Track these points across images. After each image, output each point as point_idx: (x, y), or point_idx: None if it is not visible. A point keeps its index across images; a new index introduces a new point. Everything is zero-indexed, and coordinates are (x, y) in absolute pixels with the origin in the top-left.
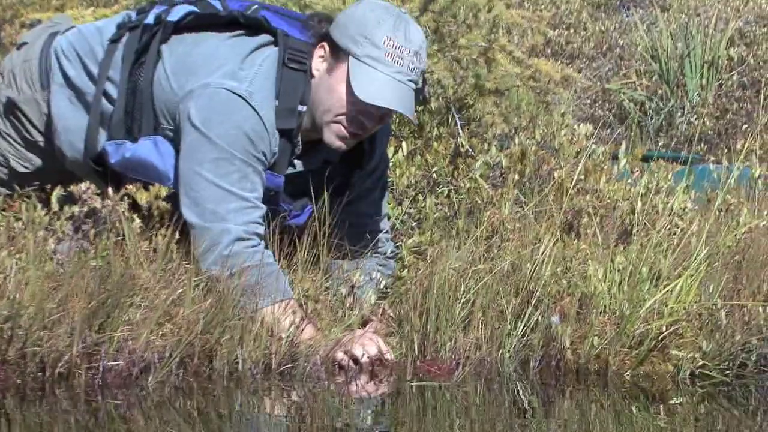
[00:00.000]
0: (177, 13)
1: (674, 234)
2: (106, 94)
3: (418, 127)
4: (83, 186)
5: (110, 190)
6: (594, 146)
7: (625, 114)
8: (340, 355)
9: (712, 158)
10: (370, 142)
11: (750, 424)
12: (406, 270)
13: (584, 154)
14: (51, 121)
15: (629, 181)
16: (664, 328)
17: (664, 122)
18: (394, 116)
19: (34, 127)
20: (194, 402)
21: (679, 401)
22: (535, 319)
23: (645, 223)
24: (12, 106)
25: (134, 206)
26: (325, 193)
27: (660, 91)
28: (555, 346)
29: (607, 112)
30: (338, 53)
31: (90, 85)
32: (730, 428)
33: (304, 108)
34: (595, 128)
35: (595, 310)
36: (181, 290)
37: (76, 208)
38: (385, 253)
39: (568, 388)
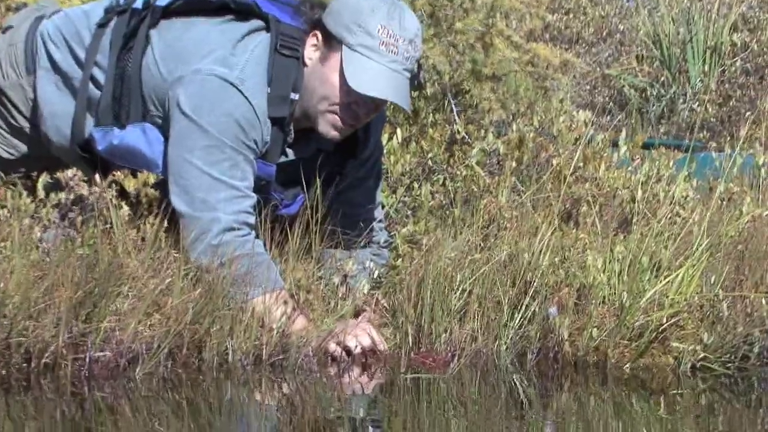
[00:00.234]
0: None
1: (675, 223)
2: (93, 80)
3: (414, 113)
4: (70, 173)
5: (97, 176)
6: (593, 133)
7: (625, 100)
8: (332, 346)
9: (715, 146)
10: (364, 130)
11: (752, 417)
12: (400, 259)
13: (583, 141)
14: (37, 107)
15: (629, 168)
16: (664, 320)
17: (665, 109)
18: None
19: (20, 112)
20: (183, 394)
21: (679, 394)
22: (533, 310)
23: (645, 212)
24: None
25: (122, 193)
26: (318, 181)
27: (661, 77)
28: (553, 338)
29: (607, 98)
30: (331, 42)
31: (77, 70)
32: (732, 422)
33: (297, 96)
34: (595, 115)
35: (594, 301)
36: (169, 279)
37: (62, 196)
38: (378, 243)
39: (566, 381)
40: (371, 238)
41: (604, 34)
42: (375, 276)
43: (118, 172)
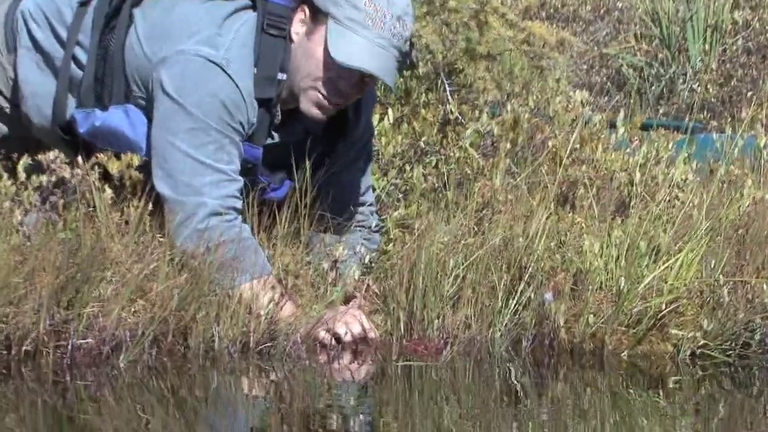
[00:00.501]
0: None
1: (674, 206)
2: (75, 59)
3: (406, 93)
4: (52, 155)
5: (80, 158)
6: (590, 114)
7: (623, 80)
8: (321, 333)
9: (715, 127)
10: (354, 110)
11: (753, 406)
12: (391, 244)
13: (580, 122)
14: (18, 87)
15: (627, 150)
16: (663, 306)
17: (664, 89)
18: (378, 83)
19: (0, 93)
20: (168, 382)
21: (678, 383)
22: (528, 296)
23: (644, 195)
24: None
25: (105, 176)
26: (307, 163)
27: (660, 57)
28: (548, 325)
29: (604, 78)
30: (318, 16)
31: (58, 49)
32: (732, 411)
33: (284, 76)
34: (592, 95)
35: (590, 287)
36: (154, 264)
37: (44, 178)
38: (369, 227)
39: (561, 368)
40: (362, 221)
41: (602, 11)
42: (366, 261)
43: (102, 154)
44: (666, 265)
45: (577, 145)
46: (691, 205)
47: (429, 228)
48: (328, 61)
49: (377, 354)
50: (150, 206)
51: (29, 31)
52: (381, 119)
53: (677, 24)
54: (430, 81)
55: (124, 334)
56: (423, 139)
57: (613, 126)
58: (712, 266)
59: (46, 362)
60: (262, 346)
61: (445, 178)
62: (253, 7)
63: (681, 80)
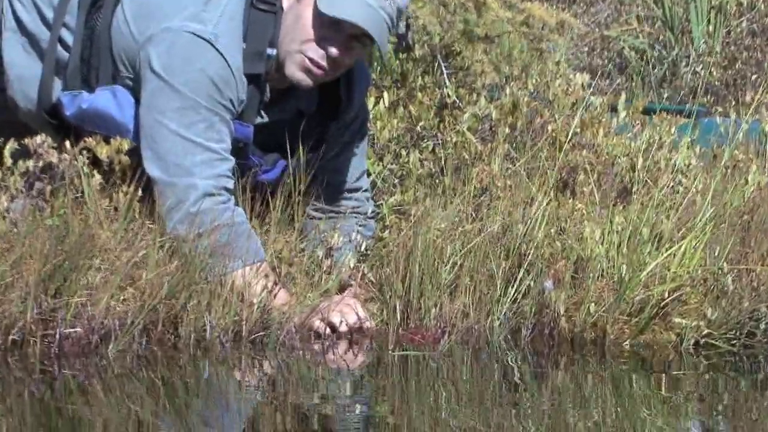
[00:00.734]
0: None
1: (677, 192)
2: (61, 41)
3: (402, 76)
4: (39, 139)
5: (68, 143)
6: (591, 97)
7: (625, 63)
8: (316, 322)
9: (719, 111)
10: (347, 91)
11: (758, 396)
12: (387, 231)
13: (581, 106)
14: (3, 70)
15: (629, 135)
16: (666, 294)
17: (667, 72)
18: (376, 64)
19: None
20: (158, 372)
21: (682, 373)
22: (527, 284)
23: (646, 181)
24: None
25: (94, 161)
26: (301, 147)
27: (663, 39)
28: (548, 314)
29: (605, 60)
30: None
31: (45, 31)
32: (736, 401)
33: (273, 52)
34: (593, 78)
35: (591, 275)
36: (144, 252)
37: (30, 163)
38: (365, 213)
39: (562, 358)
40: (357, 208)
41: None
42: (361, 248)
43: (90, 139)
44: (669, 252)
45: (578, 130)
46: (694, 191)
47: (426, 214)
48: (317, 20)
49: (373, 344)
50: (139, 192)
51: (14, 13)
52: (376, 103)
53: (680, 5)
54: (427, 64)
55: (113, 323)
56: (419, 123)
57: (614, 110)
58: (716, 253)
59: (33, 352)
60: (255, 335)
61: (443, 163)
62: None
63: (684, 63)
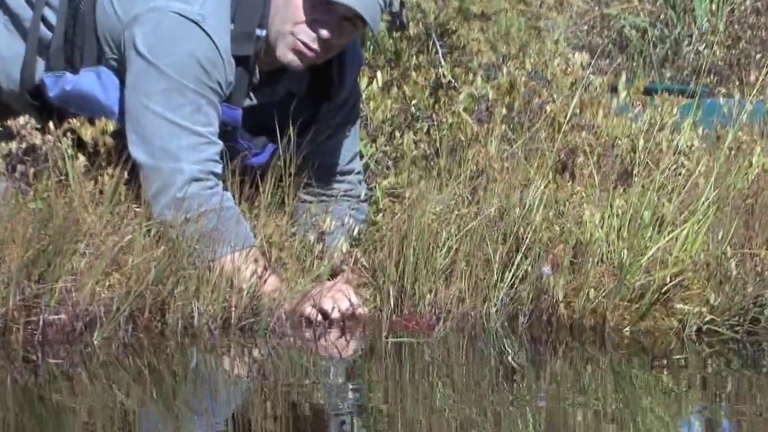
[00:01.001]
0: None
1: (680, 175)
2: (44, 20)
3: (395, 55)
4: (21, 120)
5: (51, 124)
6: (591, 77)
7: (625, 42)
8: (307, 309)
9: (723, 91)
10: (339, 72)
11: (762, 384)
12: (381, 214)
13: (580, 86)
14: None
15: (630, 116)
16: (667, 280)
17: (669, 51)
18: (369, 43)
19: None
20: (145, 360)
21: (684, 360)
22: (525, 269)
23: (647, 163)
24: None
25: (78, 143)
26: (291, 128)
27: (665, 17)
28: (546, 299)
29: (605, 39)
30: None
31: (27, 10)
32: (740, 389)
33: (263, 33)
34: (593, 57)
35: (591, 260)
36: (130, 236)
37: (13, 145)
38: (357, 196)
39: (560, 345)
40: (349, 191)
41: None
42: (354, 233)
43: (74, 120)
44: (671, 236)
45: (577, 111)
46: (697, 173)
47: (420, 197)
48: (308, 2)
49: (366, 330)
50: (125, 175)
51: None
52: (369, 83)
53: None
54: (422, 42)
55: (98, 310)
56: (414, 103)
57: (614, 90)
58: (719, 237)
59: (16, 339)
60: (245, 322)
61: (438, 144)
62: None
63: (686, 42)
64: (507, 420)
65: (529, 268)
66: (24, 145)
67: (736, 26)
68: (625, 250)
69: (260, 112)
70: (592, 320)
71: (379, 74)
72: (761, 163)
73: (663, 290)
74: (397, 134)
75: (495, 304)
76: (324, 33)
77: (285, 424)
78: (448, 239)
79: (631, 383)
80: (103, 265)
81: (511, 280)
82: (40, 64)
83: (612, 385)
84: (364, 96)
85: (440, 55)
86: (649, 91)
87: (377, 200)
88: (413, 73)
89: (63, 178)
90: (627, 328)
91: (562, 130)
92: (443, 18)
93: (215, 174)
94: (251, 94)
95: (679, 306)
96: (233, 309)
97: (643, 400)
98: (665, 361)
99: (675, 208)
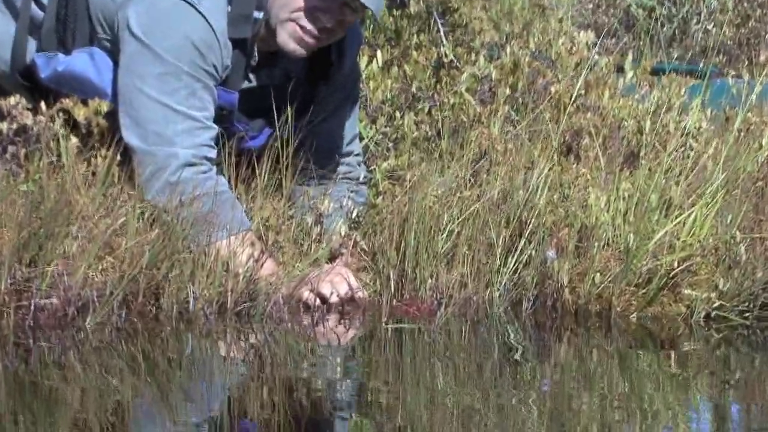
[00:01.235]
0: None
1: (688, 157)
2: (36, 0)
3: (396, 34)
4: (12, 100)
5: (43, 104)
6: (596, 57)
7: (632, 20)
8: (305, 293)
9: (732, 72)
10: (338, 52)
11: None
12: (380, 197)
13: (585, 66)
14: None
15: (636, 97)
16: (675, 264)
17: (676, 30)
18: (368, 22)
19: None
20: (138, 346)
21: (692, 347)
22: (529, 253)
23: (654, 145)
24: None
25: (71, 123)
26: (289, 110)
27: None
28: (551, 285)
29: (612, 18)
30: None
31: None
32: (749, 376)
33: (261, 14)
34: (598, 37)
35: (596, 244)
36: (123, 219)
37: (4, 126)
38: (356, 178)
39: (565, 331)
40: (348, 173)
41: None
42: (353, 215)
43: (67, 100)
44: (678, 220)
45: (582, 91)
46: (705, 155)
47: (421, 180)
48: None
49: (365, 316)
50: (119, 156)
51: None
52: (369, 62)
53: None
54: (423, 21)
55: (90, 294)
56: (415, 83)
57: (621, 70)
58: (728, 221)
59: (7, 324)
60: (241, 306)
61: (439, 125)
62: None
63: (695, 21)
64: (510, 409)
65: (533, 253)
66: (15, 126)
67: (745, 4)
68: (632, 234)
69: (258, 94)
70: (597, 306)
71: (379, 53)
72: None
73: (670, 275)
74: (398, 115)
75: (498, 289)
76: (327, 21)
77: (282, 413)
78: (449, 222)
79: (637, 370)
80: (95, 249)
81: (514, 264)
82: (32, 44)
83: (618, 372)
84: (363, 76)
85: (442, 33)
86: (656, 72)
87: (377, 183)
88: (414, 53)
89: (55, 159)
90: (633, 314)
91: (567, 111)
92: None
93: (209, 159)
94: (250, 76)
95: (687, 291)
96: (229, 293)
97: (650, 388)
98: (673, 348)
99: (683, 191)
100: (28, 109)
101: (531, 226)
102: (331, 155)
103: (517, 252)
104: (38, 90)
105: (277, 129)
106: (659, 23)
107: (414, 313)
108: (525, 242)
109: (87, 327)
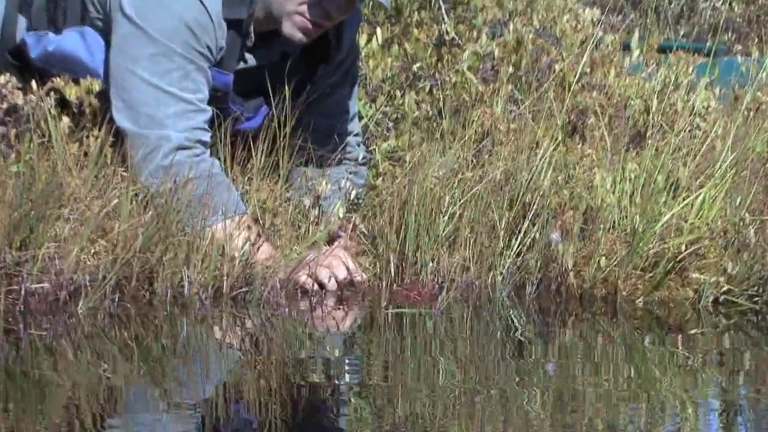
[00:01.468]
0: None
1: (695, 137)
2: None
3: (396, 11)
4: (2, 79)
5: (34, 84)
6: (602, 34)
7: None
8: (302, 277)
9: (741, 49)
10: (336, 31)
11: None
12: (380, 178)
13: (590, 43)
14: None
15: (643, 75)
16: (683, 248)
17: (684, 7)
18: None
19: None
20: (132, 331)
21: (699, 332)
22: (532, 236)
23: (661, 125)
24: None
25: (62, 103)
26: (286, 90)
27: None
28: (555, 268)
29: None
30: None
31: None
32: (758, 362)
33: None
34: (604, 13)
35: (602, 226)
36: (116, 201)
37: None
38: (355, 159)
39: (570, 316)
40: (347, 153)
41: None
42: (351, 197)
43: (58, 79)
44: (686, 202)
45: (587, 69)
46: (713, 135)
47: (422, 161)
48: None
49: (365, 300)
50: (111, 137)
51: None
52: (369, 40)
53: None
54: None
55: (83, 278)
56: (415, 62)
57: (627, 48)
58: (737, 203)
59: None
60: (237, 291)
61: (441, 105)
62: None
63: None
64: (513, 396)
65: (537, 235)
66: (5, 106)
67: None
68: (638, 217)
69: (254, 74)
70: (603, 290)
71: (378, 31)
72: None
73: (678, 259)
74: (398, 94)
75: (501, 273)
76: (334, 12)
77: (279, 399)
78: (451, 204)
79: (644, 356)
80: (88, 232)
81: (517, 247)
82: (22, 22)
83: (624, 358)
84: (363, 54)
85: (443, 10)
86: (663, 49)
87: (377, 163)
88: (415, 30)
89: (46, 139)
90: (640, 299)
91: (572, 90)
92: None
93: (203, 142)
94: (246, 56)
95: (695, 275)
96: (225, 278)
97: (657, 374)
98: (680, 334)
99: (690, 173)
100: (18, 88)
101: (535, 208)
102: (329, 135)
103: (521, 235)
104: (28, 70)
105: (273, 108)
106: (666, 0)
107: (415, 297)
108: (528, 225)
109: (79, 312)
